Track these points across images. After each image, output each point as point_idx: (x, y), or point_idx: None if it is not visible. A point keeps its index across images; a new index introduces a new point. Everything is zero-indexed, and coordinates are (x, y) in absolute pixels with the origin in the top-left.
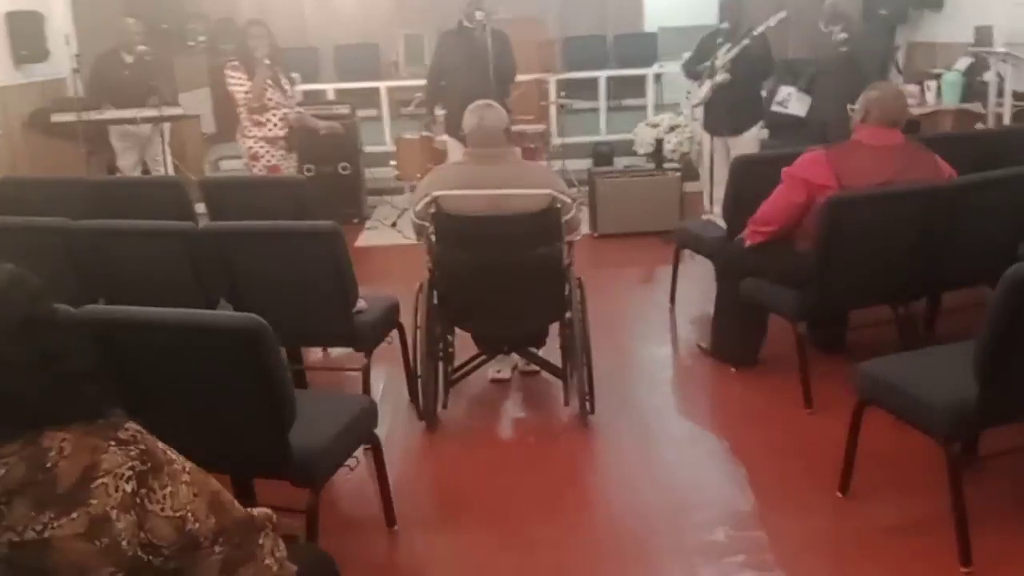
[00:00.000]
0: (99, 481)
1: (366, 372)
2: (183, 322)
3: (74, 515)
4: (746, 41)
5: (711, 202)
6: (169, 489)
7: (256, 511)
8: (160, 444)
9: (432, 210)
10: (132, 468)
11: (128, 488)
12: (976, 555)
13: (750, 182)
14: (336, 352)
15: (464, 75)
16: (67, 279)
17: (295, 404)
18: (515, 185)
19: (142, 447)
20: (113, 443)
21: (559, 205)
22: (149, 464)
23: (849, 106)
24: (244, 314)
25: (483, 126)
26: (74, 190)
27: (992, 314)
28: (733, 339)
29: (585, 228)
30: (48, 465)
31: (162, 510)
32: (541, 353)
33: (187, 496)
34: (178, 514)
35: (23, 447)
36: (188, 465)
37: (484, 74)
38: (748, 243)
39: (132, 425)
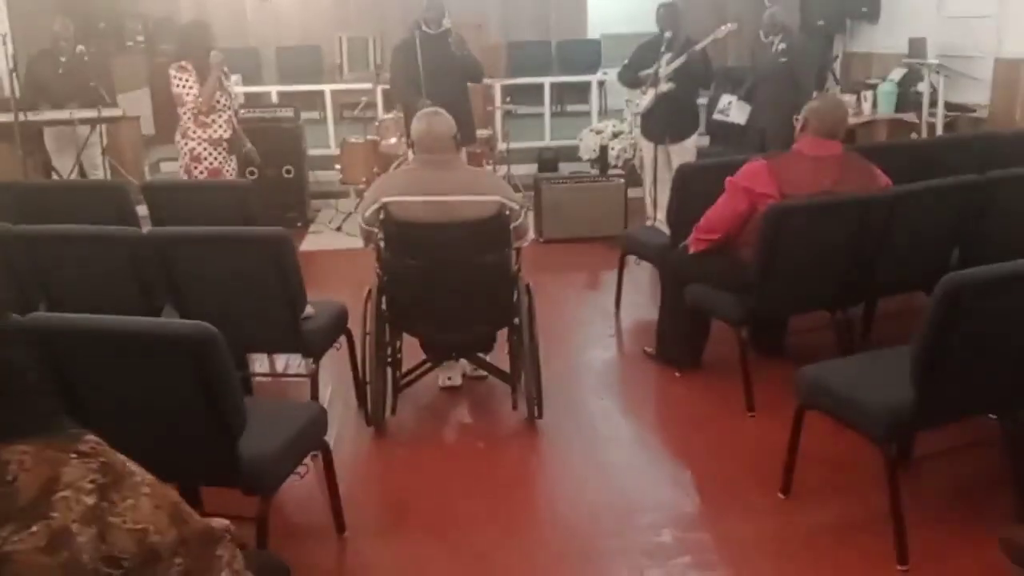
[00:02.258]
0: (60, 494)
1: (314, 378)
2: (131, 330)
3: (34, 528)
4: (686, 56)
5: (654, 208)
6: (130, 501)
7: (214, 522)
8: (120, 456)
9: (381, 216)
10: (93, 481)
11: (89, 501)
12: (912, 553)
13: (694, 190)
14: (280, 358)
15: (434, 81)
16: (6, 285)
17: (245, 413)
18: (464, 192)
19: (103, 459)
20: (74, 455)
21: (508, 212)
22: (110, 477)
23: (795, 117)
24: (194, 322)
25: (432, 132)
26: (11, 194)
27: (928, 321)
28: (677, 343)
29: (531, 233)
30: (9, 478)
31: (124, 523)
32: (489, 358)
33: (148, 508)
34: (139, 527)
35: None
36: (148, 477)
37: (454, 78)
38: (692, 250)
39: (91, 437)
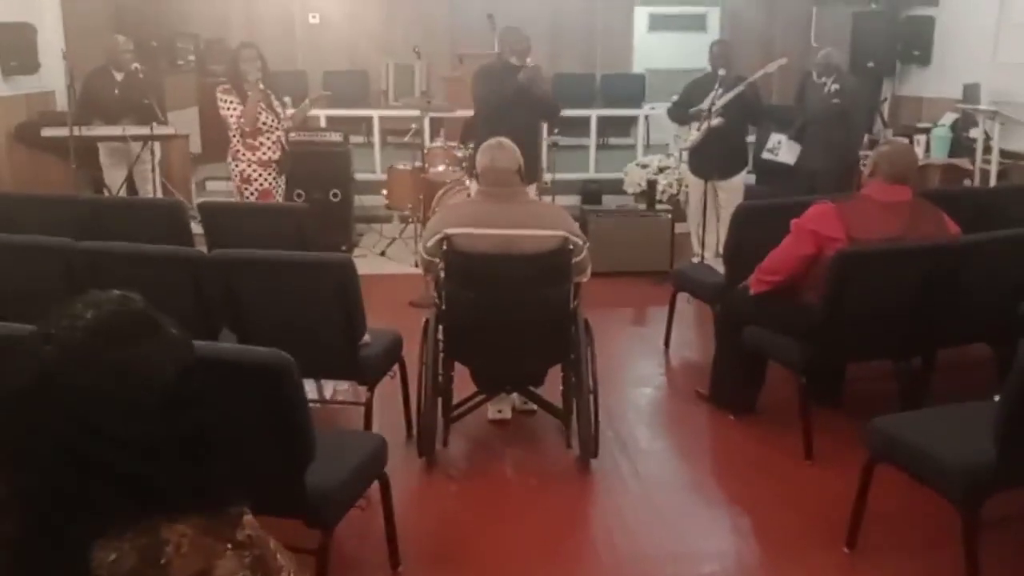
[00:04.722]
0: None
1: (369, 406)
2: (205, 355)
3: None
4: (742, 87)
5: (702, 245)
6: None
7: None
8: (272, 543)
9: (444, 247)
10: None
11: None
12: None
13: (751, 230)
14: (328, 384)
15: (511, 115)
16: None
17: (315, 444)
18: (528, 225)
19: (256, 552)
20: (230, 546)
21: (571, 247)
22: (260, 574)
23: (861, 162)
24: (272, 351)
25: (495, 166)
26: (69, 209)
27: (1014, 380)
28: (733, 386)
29: (590, 269)
30: (162, 561)
31: None
32: (539, 392)
33: None
34: None
35: (138, 535)
36: (292, 569)
37: (529, 114)
38: (753, 291)
39: (249, 519)
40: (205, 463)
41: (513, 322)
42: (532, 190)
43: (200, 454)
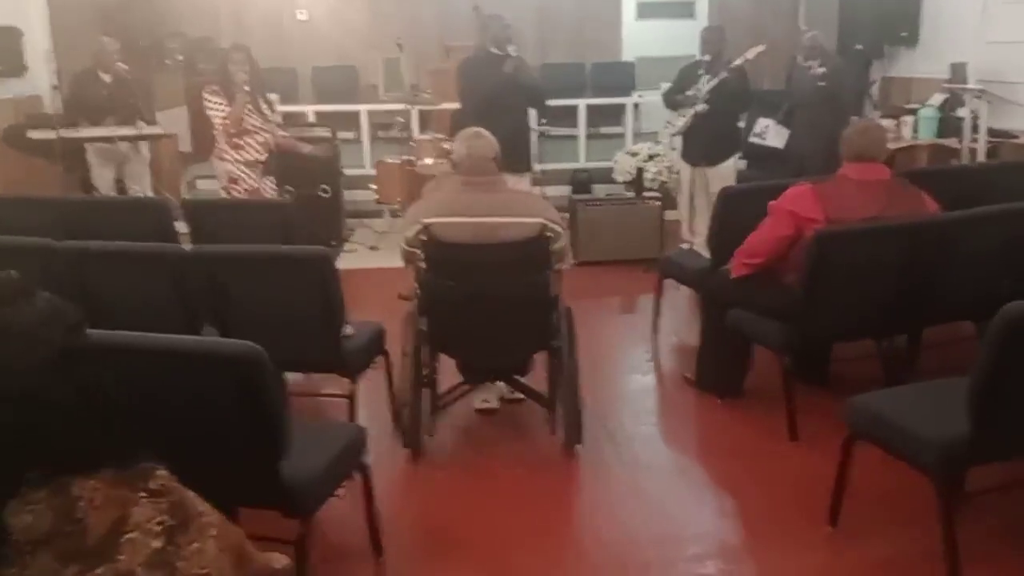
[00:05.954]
0: (128, 536)
1: (352, 398)
2: (179, 349)
3: (99, 570)
4: (725, 73)
5: (691, 231)
6: (197, 545)
7: (274, 560)
8: (190, 493)
9: (423, 237)
10: (161, 523)
11: (156, 544)
12: None
13: (735, 213)
14: (315, 377)
15: (501, 104)
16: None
17: (290, 435)
18: (506, 213)
19: (172, 499)
20: (144, 495)
21: (550, 234)
22: (178, 518)
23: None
24: (243, 342)
25: (472, 155)
26: (53, 210)
27: (986, 352)
28: (718, 370)
29: (570, 256)
30: (78, 516)
31: (189, 568)
32: (525, 380)
33: (213, 552)
34: (204, 571)
35: (52, 495)
36: (215, 516)
37: (518, 102)
38: (734, 275)
39: (162, 473)
40: (105, 419)
41: (494, 310)
42: (526, 180)
43: (96, 409)
